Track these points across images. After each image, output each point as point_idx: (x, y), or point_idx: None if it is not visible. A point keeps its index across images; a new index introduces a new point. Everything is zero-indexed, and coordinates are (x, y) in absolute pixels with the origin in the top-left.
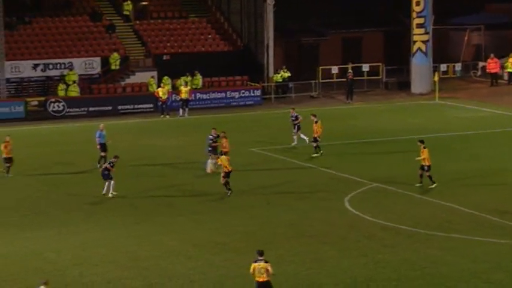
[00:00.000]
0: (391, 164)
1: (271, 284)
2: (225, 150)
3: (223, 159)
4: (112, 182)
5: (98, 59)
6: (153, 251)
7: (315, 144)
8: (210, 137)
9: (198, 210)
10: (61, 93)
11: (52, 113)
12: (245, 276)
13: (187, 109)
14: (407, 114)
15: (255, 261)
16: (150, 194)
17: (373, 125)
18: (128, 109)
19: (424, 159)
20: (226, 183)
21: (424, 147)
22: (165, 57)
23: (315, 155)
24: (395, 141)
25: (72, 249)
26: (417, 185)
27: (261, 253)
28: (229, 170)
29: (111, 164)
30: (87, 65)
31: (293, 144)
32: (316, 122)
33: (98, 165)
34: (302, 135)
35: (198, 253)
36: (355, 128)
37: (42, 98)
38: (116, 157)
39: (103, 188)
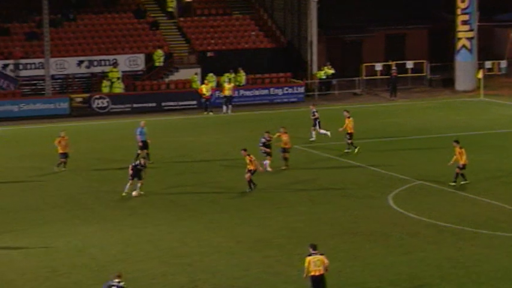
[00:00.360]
0: (435, 162)
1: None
2: (286, 146)
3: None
4: (140, 182)
5: (142, 56)
6: (196, 247)
7: (349, 141)
8: (263, 140)
9: (241, 207)
10: (105, 89)
11: (96, 109)
12: (287, 273)
13: (230, 106)
14: (452, 112)
15: (309, 255)
16: (194, 191)
17: (417, 122)
18: (171, 106)
19: (458, 158)
20: (251, 181)
21: (461, 147)
22: (208, 54)
23: (348, 150)
24: (440, 139)
25: (116, 246)
26: (452, 184)
27: (314, 247)
28: (254, 169)
29: (144, 165)
30: (131, 61)
31: (311, 139)
32: (348, 118)
33: (150, 162)
34: (322, 131)
35: (241, 250)
36: (399, 126)
37: (87, 95)
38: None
39: (125, 186)
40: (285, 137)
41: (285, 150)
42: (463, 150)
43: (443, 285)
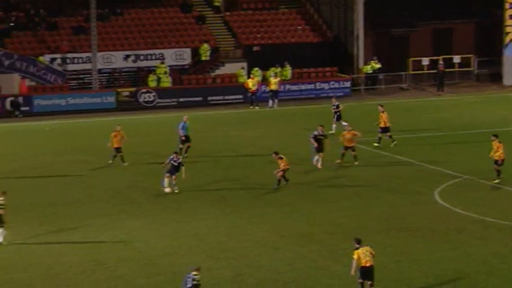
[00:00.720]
0: (482, 157)
1: None
2: (349, 145)
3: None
4: (174, 178)
5: (188, 50)
6: (241, 241)
7: (388, 135)
8: (315, 132)
9: (287, 202)
10: (152, 83)
11: (143, 103)
12: (332, 268)
13: (276, 100)
14: (499, 106)
15: (357, 248)
16: (239, 185)
17: (464, 117)
18: (217, 100)
19: (497, 153)
20: (283, 177)
21: (499, 142)
22: (255, 49)
23: (377, 144)
24: (487, 134)
25: (163, 240)
26: (495, 181)
27: (358, 241)
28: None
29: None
30: (177, 56)
31: (331, 132)
32: (383, 112)
33: (185, 155)
34: (344, 123)
35: (286, 244)
36: (446, 120)
37: (133, 89)
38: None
39: (162, 180)
40: (348, 135)
41: (347, 148)
42: (501, 144)
43: (490, 280)
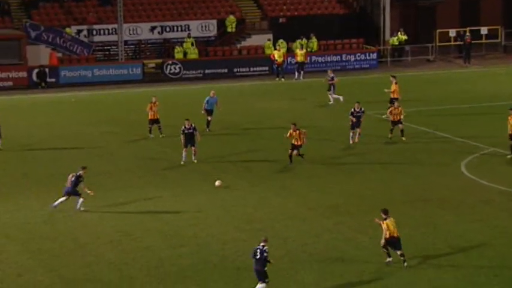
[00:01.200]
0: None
1: None
2: (396, 119)
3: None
4: (194, 149)
5: (214, 22)
6: (268, 213)
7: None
8: (352, 110)
9: (313, 174)
10: (178, 55)
11: (169, 75)
12: (358, 239)
13: (302, 72)
14: None
15: (385, 219)
16: (266, 157)
17: (491, 89)
18: (243, 72)
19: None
20: (291, 156)
21: None
22: (281, 20)
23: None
24: None
25: (189, 211)
26: (509, 156)
27: (386, 211)
28: (301, 143)
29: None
30: (203, 27)
31: (330, 103)
32: (395, 84)
33: (207, 130)
34: (336, 96)
35: (313, 216)
36: (473, 92)
37: (159, 60)
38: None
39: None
40: (396, 111)
41: (395, 123)
42: None
43: None
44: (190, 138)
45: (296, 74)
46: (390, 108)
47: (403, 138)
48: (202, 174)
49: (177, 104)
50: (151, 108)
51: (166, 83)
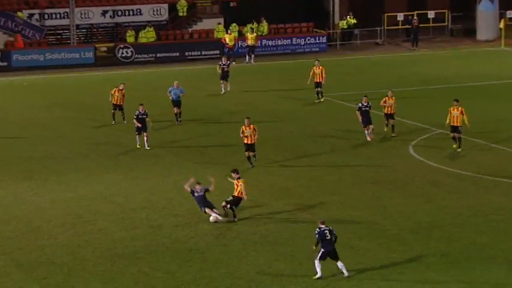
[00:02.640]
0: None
1: None
2: (389, 111)
3: None
4: (146, 135)
5: (165, 6)
6: (220, 195)
7: (319, 89)
8: (360, 105)
9: (264, 157)
10: (130, 39)
11: (121, 58)
12: (307, 220)
13: (253, 56)
14: (473, 61)
15: (239, 178)
16: (219, 141)
17: (439, 72)
18: (195, 55)
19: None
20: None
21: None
22: (232, 4)
23: (318, 101)
24: (461, 88)
25: (142, 193)
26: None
27: (236, 171)
28: (252, 142)
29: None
30: (155, 11)
31: (221, 93)
32: (320, 67)
33: (177, 122)
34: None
35: (264, 198)
36: (421, 75)
37: (111, 44)
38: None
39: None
40: (390, 101)
41: (389, 116)
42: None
43: (463, 233)
44: (143, 124)
45: (247, 57)
46: (384, 98)
47: (393, 134)
48: (155, 157)
49: (129, 88)
50: (115, 92)
51: (118, 67)
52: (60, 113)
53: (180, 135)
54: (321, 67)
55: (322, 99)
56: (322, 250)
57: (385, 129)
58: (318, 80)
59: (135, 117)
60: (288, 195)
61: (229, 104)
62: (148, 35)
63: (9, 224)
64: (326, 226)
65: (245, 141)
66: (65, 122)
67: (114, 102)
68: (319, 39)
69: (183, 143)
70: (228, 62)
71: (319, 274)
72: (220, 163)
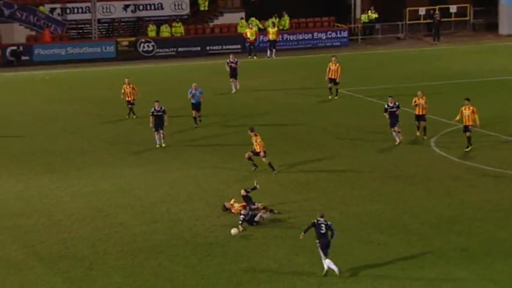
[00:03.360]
0: (478, 106)
1: None
2: (420, 112)
3: None
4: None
5: (187, 0)
6: (240, 189)
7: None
8: (386, 106)
9: (285, 151)
10: (151, 33)
11: (142, 53)
12: (329, 215)
13: (274, 50)
14: (495, 56)
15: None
16: (238, 135)
17: (460, 66)
18: (216, 50)
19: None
20: (250, 158)
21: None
22: None
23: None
24: (483, 83)
25: (161, 187)
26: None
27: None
28: (258, 151)
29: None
30: (176, 5)
31: (232, 92)
32: (336, 63)
33: (195, 125)
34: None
35: (283, 192)
36: (442, 70)
37: (133, 39)
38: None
39: (155, 138)
40: (420, 101)
41: (420, 118)
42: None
43: (483, 227)
44: (159, 121)
45: (268, 51)
46: (414, 99)
47: (425, 137)
48: (175, 151)
49: (150, 82)
50: (124, 90)
51: (139, 61)
52: (81, 107)
53: (200, 130)
54: (337, 64)
55: (336, 97)
56: (318, 244)
57: (418, 133)
58: (332, 76)
59: (151, 114)
60: (308, 189)
61: (249, 98)
62: (176, 30)
63: (30, 218)
64: (324, 220)
65: (255, 149)
66: (86, 116)
67: (128, 99)
68: (340, 34)
69: (203, 137)
70: (236, 59)
71: (336, 270)
72: (241, 156)
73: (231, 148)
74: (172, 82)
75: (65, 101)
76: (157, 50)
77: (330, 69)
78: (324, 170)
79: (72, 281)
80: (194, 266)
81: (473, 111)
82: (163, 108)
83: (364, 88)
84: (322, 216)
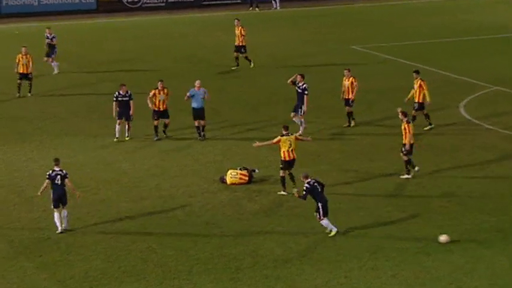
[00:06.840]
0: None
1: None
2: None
3: None
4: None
5: None
6: (239, 161)
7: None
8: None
9: (290, 120)
10: None
11: (127, 4)
12: (340, 193)
13: (278, 1)
14: None
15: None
16: (236, 99)
17: (490, 19)
18: (212, 0)
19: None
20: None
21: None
22: None
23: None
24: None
25: (150, 159)
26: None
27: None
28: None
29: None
30: None
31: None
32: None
33: (199, 138)
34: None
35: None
36: (469, 23)
37: None
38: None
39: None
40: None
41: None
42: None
43: None
44: (125, 108)
45: (273, 2)
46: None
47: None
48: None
49: (135, 37)
50: (19, 60)
51: (123, 13)
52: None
53: None
54: (350, 78)
55: (352, 124)
56: (320, 204)
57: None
58: (347, 96)
59: (114, 99)
60: (319, 161)
61: (253, 55)
62: None
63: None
64: (312, 178)
65: (283, 157)
66: (61, 77)
67: (22, 72)
68: None
69: None
70: (53, 35)
71: (333, 229)
72: (238, 124)
73: (227, 114)
74: (160, 38)
75: (38, 59)
76: (145, 0)
77: (344, 86)
78: (336, 138)
79: (46, 267)
80: (187, 249)
81: (420, 86)
82: (129, 92)
83: (380, 45)
84: (307, 177)
